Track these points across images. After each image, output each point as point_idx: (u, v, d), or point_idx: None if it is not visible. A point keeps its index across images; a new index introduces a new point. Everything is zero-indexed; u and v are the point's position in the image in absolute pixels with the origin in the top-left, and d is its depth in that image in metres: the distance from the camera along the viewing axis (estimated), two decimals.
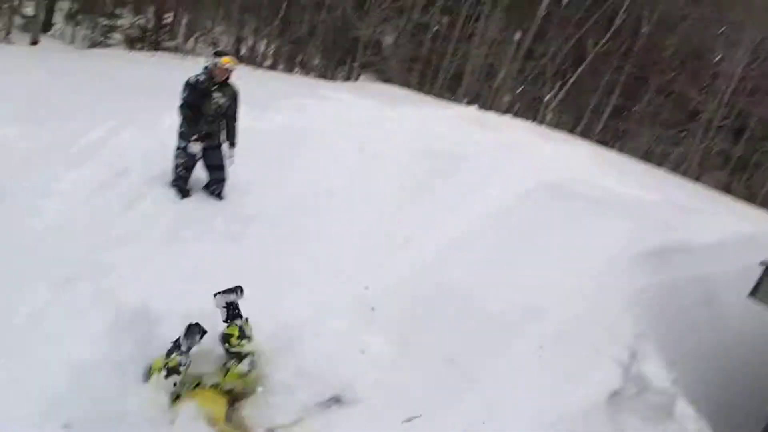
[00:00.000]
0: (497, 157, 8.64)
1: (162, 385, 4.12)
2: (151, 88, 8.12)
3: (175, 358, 4.17)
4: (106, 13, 18.14)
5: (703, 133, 21.27)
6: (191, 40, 19.88)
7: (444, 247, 6.33)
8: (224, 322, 4.51)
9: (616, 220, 7.18)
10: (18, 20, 16.19)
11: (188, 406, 4.07)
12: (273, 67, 19.62)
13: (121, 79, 9.03)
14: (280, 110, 8.40)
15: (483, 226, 6.79)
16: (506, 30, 21.26)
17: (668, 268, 6.47)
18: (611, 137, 22.82)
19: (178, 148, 6.01)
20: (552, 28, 21.29)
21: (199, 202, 6.17)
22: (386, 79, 20.03)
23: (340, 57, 21.62)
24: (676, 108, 22.28)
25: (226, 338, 4.44)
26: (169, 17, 19.14)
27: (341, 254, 5.96)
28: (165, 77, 7.49)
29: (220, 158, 6.16)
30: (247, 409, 4.35)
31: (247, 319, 4.54)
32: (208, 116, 5.86)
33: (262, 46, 20.36)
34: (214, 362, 4.50)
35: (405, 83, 19.05)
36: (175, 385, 4.17)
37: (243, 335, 4.44)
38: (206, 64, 5.86)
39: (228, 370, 4.41)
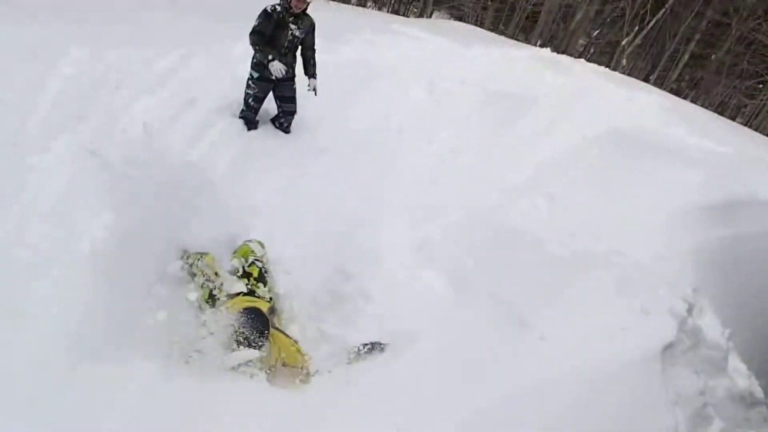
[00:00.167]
0: (568, 101, 8.33)
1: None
2: (226, 13, 7.95)
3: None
4: None
5: None
6: None
7: (509, 190, 6.21)
8: None
9: (684, 171, 6.94)
10: None
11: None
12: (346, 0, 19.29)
13: (198, 3, 8.77)
14: (351, 43, 8.21)
15: (550, 170, 6.65)
16: None
17: (733, 221, 6.31)
18: (686, 86, 21.82)
19: (249, 78, 5.91)
20: None
21: (266, 134, 6.14)
22: (460, 17, 19.47)
23: None
24: (757, 58, 20.89)
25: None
26: None
27: (407, 193, 5.89)
28: (241, 3, 7.43)
29: (293, 90, 6.05)
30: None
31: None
32: (282, 47, 5.68)
33: None
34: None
35: (479, 22, 18.51)
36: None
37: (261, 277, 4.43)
38: None
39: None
